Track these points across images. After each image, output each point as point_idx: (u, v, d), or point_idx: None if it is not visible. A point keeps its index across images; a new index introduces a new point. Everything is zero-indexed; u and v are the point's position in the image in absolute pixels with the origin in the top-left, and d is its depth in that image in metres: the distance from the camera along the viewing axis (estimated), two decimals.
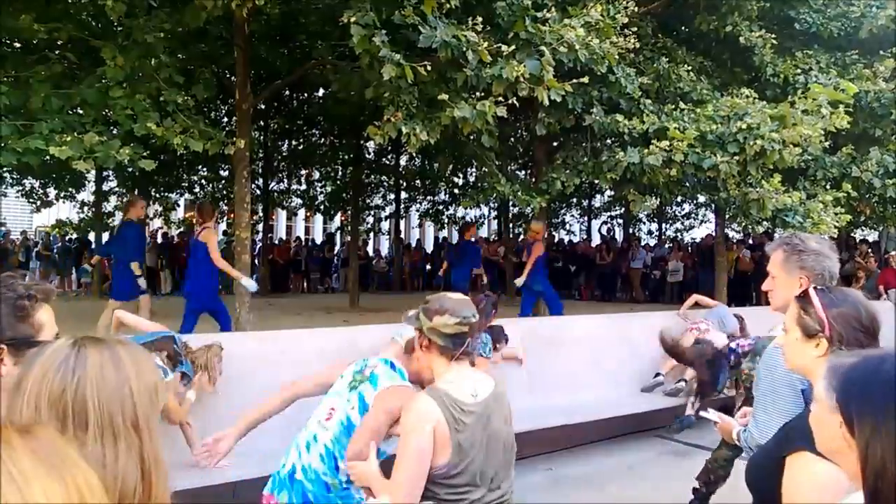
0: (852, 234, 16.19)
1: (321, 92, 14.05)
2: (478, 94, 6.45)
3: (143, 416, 1.11)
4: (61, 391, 1.07)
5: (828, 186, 9.40)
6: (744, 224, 9.49)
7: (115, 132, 6.88)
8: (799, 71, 9.37)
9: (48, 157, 6.17)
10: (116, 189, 16.78)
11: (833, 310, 1.78)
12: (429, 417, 2.04)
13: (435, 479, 2.06)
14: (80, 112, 6.79)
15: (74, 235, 18.98)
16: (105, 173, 14.87)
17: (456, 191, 19.46)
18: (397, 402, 2.32)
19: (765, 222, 9.31)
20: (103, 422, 1.07)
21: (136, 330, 4.45)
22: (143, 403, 1.12)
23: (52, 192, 17.13)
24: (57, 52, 7.05)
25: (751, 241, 17.00)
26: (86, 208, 17.74)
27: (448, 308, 2.15)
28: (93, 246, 16.08)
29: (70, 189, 16.71)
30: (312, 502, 2.48)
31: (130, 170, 12.91)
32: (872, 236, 18.00)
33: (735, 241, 17.42)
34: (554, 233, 21.71)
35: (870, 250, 14.88)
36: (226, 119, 14.07)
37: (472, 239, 11.30)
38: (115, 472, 1.05)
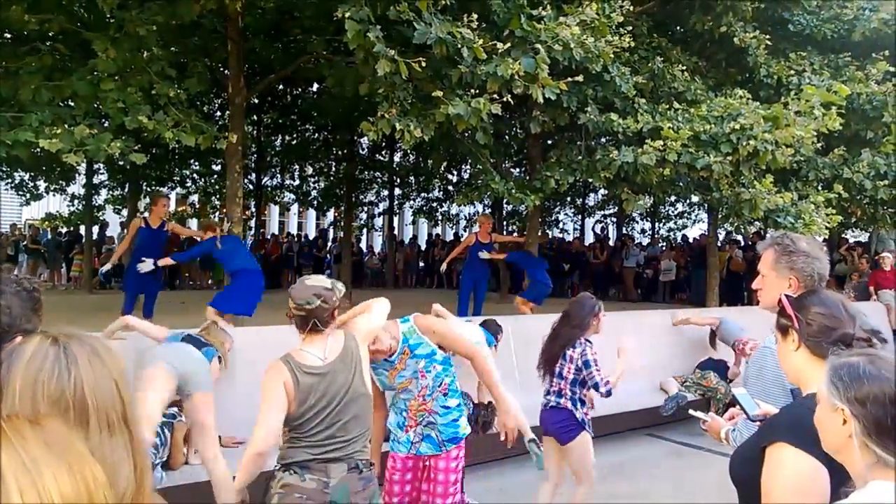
0: (843, 236, 16.27)
1: (315, 87, 14.02)
2: (472, 91, 6.44)
3: (130, 408, 1.12)
4: (60, 392, 1.06)
5: (819, 187, 9.45)
6: (736, 224, 9.51)
7: (106, 125, 6.83)
8: (792, 72, 9.40)
9: (38, 150, 6.12)
10: (107, 182, 16.68)
11: (799, 306, 1.87)
12: (279, 377, 2.64)
13: (290, 424, 2.67)
14: (71, 104, 6.73)
15: (65, 229, 18.90)
16: (96, 166, 14.78)
17: (450, 188, 19.45)
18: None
19: (757, 222, 9.34)
20: (100, 419, 1.07)
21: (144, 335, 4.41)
22: (127, 395, 1.12)
23: (41, 184, 17.03)
24: (48, 44, 6.99)
25: (743, 242, 17.08)
26: (76, 201, 17.65)
27: (293, 294, 2.72)
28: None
29: (60, 182, 16.61)
30: None
31: (121, 163, 12.84)
32: (862, 238, 18.08)
33: (728, 240, 17.49)
34: (548, 231, 21.74)
35: (864, 252, 14.96)
36: (219, 113, 14.03)
37: None
38: (114, 468, 1.05)
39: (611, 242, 20.15)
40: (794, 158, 8.21)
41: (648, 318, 8.59)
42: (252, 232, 17.50)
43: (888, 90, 9.18)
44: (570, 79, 6.68)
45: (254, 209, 17.86)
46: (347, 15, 5.74)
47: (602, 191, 18.40)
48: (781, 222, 8.24)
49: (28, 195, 17.35)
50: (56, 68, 6.89)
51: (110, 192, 17.49)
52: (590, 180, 8.94)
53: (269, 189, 18.76)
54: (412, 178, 19.46)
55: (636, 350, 4.97)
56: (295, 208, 27.99)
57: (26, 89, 6.27)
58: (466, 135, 8.08)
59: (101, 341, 1.17)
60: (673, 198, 19.02)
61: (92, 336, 1.17)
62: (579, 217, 23.46)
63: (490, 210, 17.41)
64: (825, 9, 10.14)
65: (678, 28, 10.87)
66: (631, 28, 7.76)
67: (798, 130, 7.54)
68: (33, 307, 1.83)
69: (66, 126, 6.07)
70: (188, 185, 17.80)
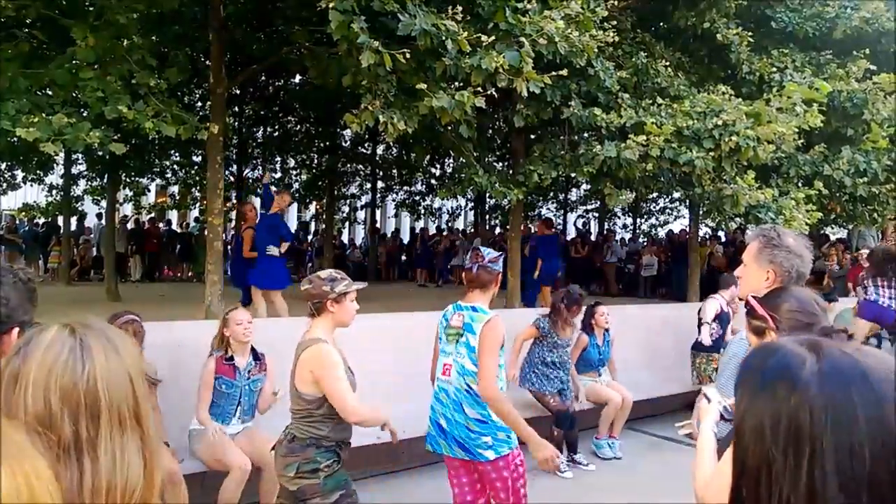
0: (823, 232, 16.43)
1: (297, 78, 13.90)
2: (456, 84, 6.40)
3: (143, 405, 1.11)
4: (72, 385, 1.05)
5: (800, 184, 9.51)
6: (718, 220, 9.55)
7: (84, 114, 6.71)
8: (774, 69, 9.45)
9: (15, 139, 6.01)
10: (86, 173, 16.46)
11: (772, 305, 1.89)
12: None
13: None
14: (49, 93, 6.61)
15: (42, 220, 18.65)
16: (74, 156, 14.58)
17: (433, 181, 19.42)
18: (500, 330, 3.19)
19: (738, 218, 9.39)
20: (112, 414, 1.06)
21: None
22: (141, 390, 1.12)
23: (19, 174, 16.77)
24: (25, 31, 6.85)
25: (724, 237, 17.21)
26: (54, 192, 17.41)
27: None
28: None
29: (38, 172, 16.36)
30: (462, 440, 3.25)
31: (100, 153, 12.67)
32: (841, 234, 18.27)
33: (708, 236, 17.61)
34: (530, 225, 21.79)
35: (845, 248, 15.14)
36: (200, 104, 13.85)
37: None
38: (124, 465, 1.05)
39: (592, 237, 20.20)
40: (775, 155, 8.27)
41: (629, 312, 8.64)
42: (233, 224, 17.34)
43: (868, 88, 9.26)
44: (554, 73, 6.66)
45: (235, 201, 17.71)
46: (331, 5, 5.67)
47: (585, 186, 18.45)
48: (762, 218, 8.28)
49: (5, 185, 17.08)
50: (34, 56, 6.75)
51: (89, 183, 17.24)
52: (573, 175, 8.94)
53: (251, 181, 18.63)
54: (395, 171, 19.38)
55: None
56: None
57: (3, 77, 6.14)
58: (450, 128, 8.04)
59: (118, 332, 1.16)
60: (655, 193, 19.11)
61: (110, 326, 1.16)
62: (562, 212, 23.51)
63: (473, 204, 17.39)
64: (807, 6, 10.22)
65: (662, 24, 10.88)
66: (615, 23, 7.76)
67: (780, 127, 7.59)
68: (29, 298, 1.83)
69: (43, 115, 5.94)
70: (168, 175, 17.62)
